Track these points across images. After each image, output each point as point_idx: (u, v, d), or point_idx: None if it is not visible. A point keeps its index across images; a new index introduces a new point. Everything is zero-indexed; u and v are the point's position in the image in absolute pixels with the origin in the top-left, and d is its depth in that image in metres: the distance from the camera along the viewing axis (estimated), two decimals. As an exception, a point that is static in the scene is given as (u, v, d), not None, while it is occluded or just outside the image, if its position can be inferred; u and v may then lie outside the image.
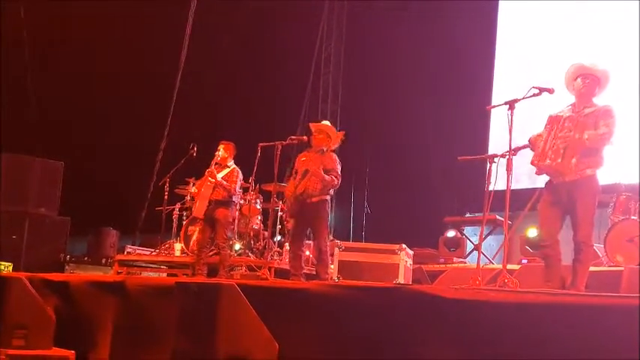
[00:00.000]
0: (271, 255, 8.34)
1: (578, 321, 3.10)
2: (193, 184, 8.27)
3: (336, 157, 6.83)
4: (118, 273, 8.65)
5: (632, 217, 6.93)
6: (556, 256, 5.08)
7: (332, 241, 7.72)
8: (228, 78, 11.41)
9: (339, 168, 6.74)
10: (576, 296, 3.61)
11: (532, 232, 7.91)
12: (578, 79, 5.10)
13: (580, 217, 4.92)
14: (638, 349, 2.85)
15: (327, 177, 6.56)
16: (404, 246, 6.85)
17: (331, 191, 6.78)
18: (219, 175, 7.48)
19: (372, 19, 12.20)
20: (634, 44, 9.23)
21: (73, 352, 4.64)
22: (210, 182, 7.48)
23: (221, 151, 7.63)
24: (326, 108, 12.60)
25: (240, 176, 7.63)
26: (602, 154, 4.98)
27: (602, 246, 6.83)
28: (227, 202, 7.49)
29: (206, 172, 7.54)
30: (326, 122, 7.17)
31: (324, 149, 6.77)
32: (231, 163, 7.67)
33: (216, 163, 7.58)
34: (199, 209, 7.54)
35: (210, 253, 7.61)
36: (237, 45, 11.52)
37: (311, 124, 7.08)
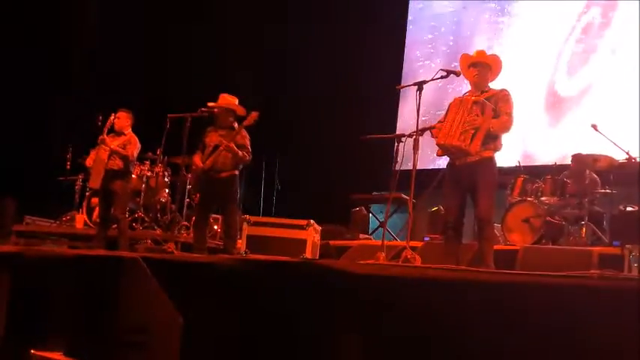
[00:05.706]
0: (178, 229, 8.22)
1: (480, 297, 3.23)
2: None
3: (247, 134, 6.76)
4: (16, 244, 8.28)
5: (529, 199, 7.28)
6: (457, 236, 5.29)
7: (240, 215, 7.69)
8: (139, 43, 11.00)
9: (249, 144, 6.70)
10: (477, 273, 3.77)
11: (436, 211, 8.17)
12: (471, 68, 5.38)
13: (481, 195, 5.13)
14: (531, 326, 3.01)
15: (239, 152, 6.52)
16: (312, 221, 6.91)
17: (240, 166, 6.73)
18: (116, 143, 7.24)
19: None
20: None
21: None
22: (105, 150, 7.23)
23: (120, 120, 7.36)
24: (238, 80, 12.39)
25: (139, 145, 7.39)
26: (500, 139, 5.23)
27: (500, 225, 7.15)
28: (123, 173, 7.24)
29: (98, 140, 7.27)
30: (226, 95, 6.84)
31: (234, 125, 6.67)
32: (128, 131, 7.43)
33: (111, 132, 7.34)
34: (95, 180, 7.30)
35: (114, 226, 7.40)
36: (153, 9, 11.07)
37: (209, 104, 6.85)
